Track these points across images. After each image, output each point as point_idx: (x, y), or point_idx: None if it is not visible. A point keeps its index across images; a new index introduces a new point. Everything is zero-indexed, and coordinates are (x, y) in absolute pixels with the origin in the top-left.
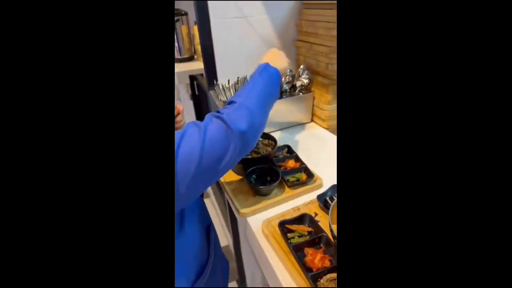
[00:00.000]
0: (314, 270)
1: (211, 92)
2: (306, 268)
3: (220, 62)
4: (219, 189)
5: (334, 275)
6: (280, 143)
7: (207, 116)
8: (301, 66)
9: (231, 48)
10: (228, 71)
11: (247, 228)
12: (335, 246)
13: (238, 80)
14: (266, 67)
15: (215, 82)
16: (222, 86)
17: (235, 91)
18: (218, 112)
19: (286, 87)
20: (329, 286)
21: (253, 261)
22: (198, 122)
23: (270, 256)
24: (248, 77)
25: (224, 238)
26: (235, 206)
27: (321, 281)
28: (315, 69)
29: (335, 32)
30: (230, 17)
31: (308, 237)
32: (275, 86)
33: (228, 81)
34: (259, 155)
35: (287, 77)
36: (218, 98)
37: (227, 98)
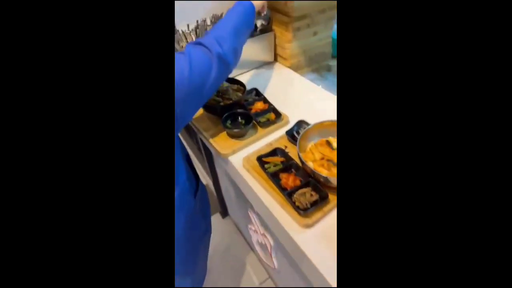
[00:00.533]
0: (288, 189)
1: None
2: (282, 189)
3: (177, 8)
4: (189, 134)
5: (304, 189)
6: (248, 86)
7: (188, 45)
8: None
9: None
10: (186, 17)
11: (229, 166)
12: (303, 169)
13: (198, 25)
14: (240, 2)
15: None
16: (182, 32)
17: (196, 35)
18: (196, 41)
19: (262, 22)
20: (301, 199)
21: (231, 194)
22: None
23: (252, 185)
24: (207, 20)
25: (202, 178)
26: (216, 149)
27: (295, 196)
28: (274, 6)
29: None
30: None
31: (281, 165)
32: (249, 16)
33: (188, 26)
34: (231, 101)
35: (263, 14)
36: (179, 44)
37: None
